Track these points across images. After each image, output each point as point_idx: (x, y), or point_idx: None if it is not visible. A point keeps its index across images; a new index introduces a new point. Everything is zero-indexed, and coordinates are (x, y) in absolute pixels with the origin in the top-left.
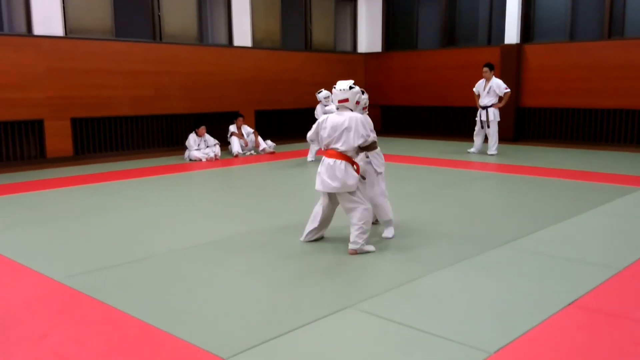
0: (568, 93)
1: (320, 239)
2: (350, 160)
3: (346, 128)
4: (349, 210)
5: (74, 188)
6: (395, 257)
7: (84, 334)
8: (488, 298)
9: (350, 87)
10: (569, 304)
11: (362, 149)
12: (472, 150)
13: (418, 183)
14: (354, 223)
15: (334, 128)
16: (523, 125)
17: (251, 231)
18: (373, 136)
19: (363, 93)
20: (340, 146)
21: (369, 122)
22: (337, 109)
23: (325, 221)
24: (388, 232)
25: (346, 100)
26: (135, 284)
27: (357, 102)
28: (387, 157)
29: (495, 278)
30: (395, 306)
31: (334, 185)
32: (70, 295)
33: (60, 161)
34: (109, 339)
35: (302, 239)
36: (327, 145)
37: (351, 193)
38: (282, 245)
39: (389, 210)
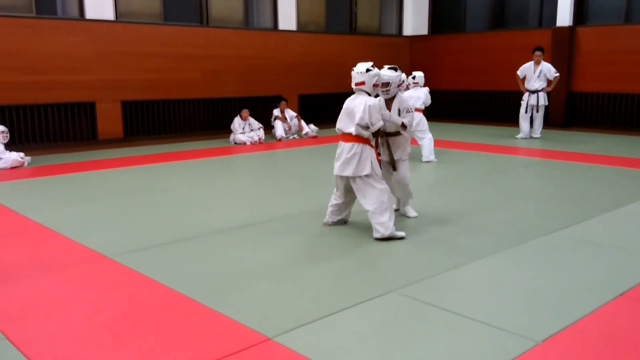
0: (622, 78)
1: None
2: (367, 142)
3: (354, 111)
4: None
5: (124, 169)
6: (440, 244)
7: (135, 309)
8: (535, 286)
9: (368, 70)
10: (620, 295)
11: (374, 134)
12: (519, 135)
13: (465, 169)
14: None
15: (346, 111)
16: (574, 110)
17: (295, 214)
18: (379, 124)
19: (396, 70)
20: (352, 130)
21: (379, 108)
22: (354, 92)
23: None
24: (412, 212)
25: (362, 83)
26: (183, 262)
27: (375, 85)
28: (434, 142)
29: (542, 266)
30: (439, 292)
31: (346, 170)
32: (122, 272)
33: (111, 142)
34: (158, 315)
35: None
36: (339, 129)
37: (367, 176)
38: (326, 229)
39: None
